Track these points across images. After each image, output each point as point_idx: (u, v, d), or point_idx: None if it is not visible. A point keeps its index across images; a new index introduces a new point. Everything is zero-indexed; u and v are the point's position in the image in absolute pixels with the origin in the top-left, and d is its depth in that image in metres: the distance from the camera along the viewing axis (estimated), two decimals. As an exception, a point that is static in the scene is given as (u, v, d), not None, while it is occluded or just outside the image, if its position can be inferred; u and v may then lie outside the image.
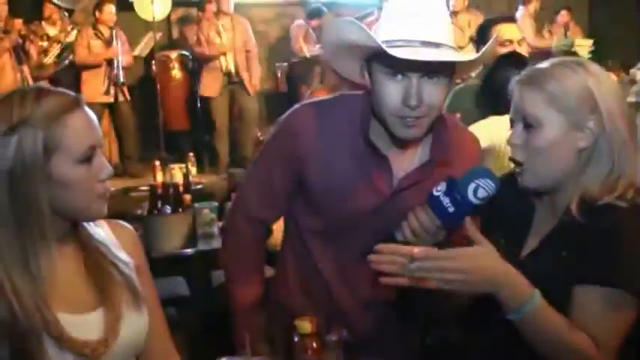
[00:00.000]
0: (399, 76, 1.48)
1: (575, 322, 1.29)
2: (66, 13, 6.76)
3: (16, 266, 1.20)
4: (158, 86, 6.72)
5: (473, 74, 2.67)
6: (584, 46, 7.51)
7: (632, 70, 5.73)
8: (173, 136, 7.02)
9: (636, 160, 1.38)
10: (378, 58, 1.50)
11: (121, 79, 6.44)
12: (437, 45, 1.46)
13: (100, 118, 5.73)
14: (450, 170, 1.50)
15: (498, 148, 2.39)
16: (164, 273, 3.06)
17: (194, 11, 7.33)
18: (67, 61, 6.48)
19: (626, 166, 1.35)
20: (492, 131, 2.39)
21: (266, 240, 1.90)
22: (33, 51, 6.26)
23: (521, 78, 1.42)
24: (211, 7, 6.78)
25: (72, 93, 1.27)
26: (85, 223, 1.34)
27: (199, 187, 4.58)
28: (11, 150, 1.19)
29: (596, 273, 1.29)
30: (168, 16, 7.31)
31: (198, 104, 6.95)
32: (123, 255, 1.39)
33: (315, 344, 1.49)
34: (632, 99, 5.09)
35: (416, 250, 1.28)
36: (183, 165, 3.73)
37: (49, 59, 6.40)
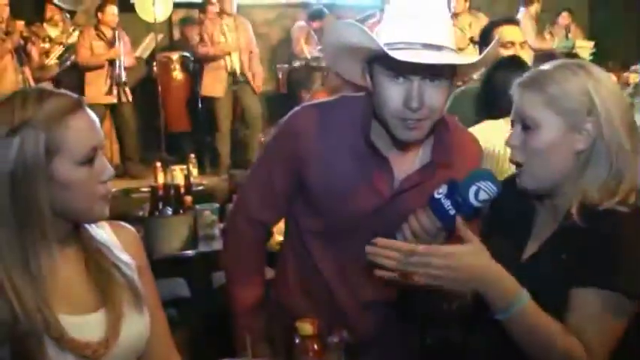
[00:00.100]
0: (401, 79, 1.48)
1: (571, 325, 1.29)
2: (68, 15, 6.77)
3: (16, 266, 1.20)
4: (159, 87, 6.72)
5: (475, 76, 2.67)
6: (585, 47, 7.51)
7: (624, 74, 5.74)
8: (174, 137, 7.01)
9: (636, 163, 1.37)
10: (379, 61, 1.50)
11: (123, 79, 6.44)
12: (438, 47, 1.46)
13: (101, 120, 5.73)
14: (451, 172, 1.50)
15: (497, 153, 2.38)
16: (165, 274, 3.05)
17: (195, 12, 7.33)
18: (68, 63, 6.49)
19: (626, 170, 1.35)
20: (486, 135, 2.38)
21: (267, 242, 1.90)
22: (34, 52, 6.25)
23: (522, 80, 1.42)
24: (213, 8, 6.77)
25: (74, 94, 1.28)
26: (86, 225, 1.34)
27: (200, 188, 4.59)
28: (13, 151, 1.19)
29: (596, 275, 1.29)
30: (170, 18, 7.31)
31: (200, 105, 6.95)
32: (124, 256, 1.39)
33: (316, 346, 1.49)
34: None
35: (404, 245, 1.28)
36: (185, 166, 3.71)
37: (50, 61, 6.40)
